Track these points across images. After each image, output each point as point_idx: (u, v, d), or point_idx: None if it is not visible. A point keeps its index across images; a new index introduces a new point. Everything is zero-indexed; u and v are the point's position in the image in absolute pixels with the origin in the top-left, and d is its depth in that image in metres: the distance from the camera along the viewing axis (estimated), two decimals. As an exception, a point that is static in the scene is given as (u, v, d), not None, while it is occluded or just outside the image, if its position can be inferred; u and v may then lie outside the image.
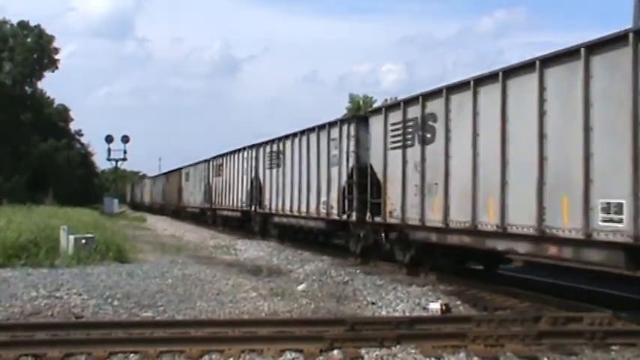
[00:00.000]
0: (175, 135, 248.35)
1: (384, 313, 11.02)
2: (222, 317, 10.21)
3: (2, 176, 48.40)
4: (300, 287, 13.57)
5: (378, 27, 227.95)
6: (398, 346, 7.93)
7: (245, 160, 30.09)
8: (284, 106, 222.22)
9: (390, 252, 16.09)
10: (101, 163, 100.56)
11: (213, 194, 36.95)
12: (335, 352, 7.73)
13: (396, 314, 10.73)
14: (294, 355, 7.60)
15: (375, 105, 47.21)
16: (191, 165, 44.24)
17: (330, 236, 22.15)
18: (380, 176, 16.05)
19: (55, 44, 65.22)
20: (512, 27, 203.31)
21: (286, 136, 23.97)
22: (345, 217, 18.40)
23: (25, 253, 16.67)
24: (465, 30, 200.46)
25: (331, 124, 19.84)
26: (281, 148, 24.53)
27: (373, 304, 11.75)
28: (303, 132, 22.13)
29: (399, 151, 14.99)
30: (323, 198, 20.03)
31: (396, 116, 15.31)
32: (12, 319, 9.91)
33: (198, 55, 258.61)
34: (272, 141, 25.83)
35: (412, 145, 14.48)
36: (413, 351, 7.82)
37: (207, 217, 38.52)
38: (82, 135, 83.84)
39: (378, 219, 16.21)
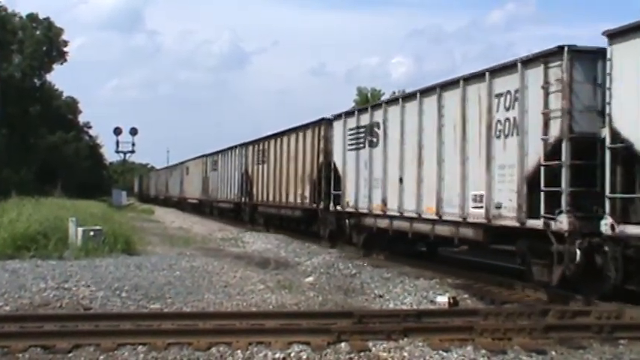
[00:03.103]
0: (183, 127, 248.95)
1: (391, 305, 11.04)
2: (229, 309, 10.25)
3: (11, 168, 48.50)
4: (308, 280, 13.60)
5: (387, 20, 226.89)
6: (405, 339, 7.91)
7: (237, 157, 33.45)
8: (293, 99, 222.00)
9: (350, 236, 18.89)
10: (109, 155, 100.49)
11: (210, 187, 39.99)
12: (342, 344, 7.71)
13: (404, 307, 10.74)
14: (301, 347, 7.59)
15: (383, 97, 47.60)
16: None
17: (308, 224, 23.57)
18: (340, 172, 19.16)
19: (65, 37, 65.26)
20: (521, 20, 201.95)
21: (270, 136, 27.57)
22: (314, 206, 21.43)
23: (34, 245, 16.71)
24: (475, 23, 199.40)
25: (306, 126, 22.83)
26: (266, 146, 28.11)
27: (381, 296, 11.78)
28: (283, 132, 25.51)
29: (354, 152, 18.22)
30: (299, 190, 23.15)
31: (352, 122, 18.46)
32: (21, 310, 9.97)
33: (207, 47, 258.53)
34: (259, 140, 29.64)
35: (363, 148, 17.63)
36: (420, 344, 7.79)
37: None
38: (90, 127, 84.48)
39: (339, 208, 19.35)
